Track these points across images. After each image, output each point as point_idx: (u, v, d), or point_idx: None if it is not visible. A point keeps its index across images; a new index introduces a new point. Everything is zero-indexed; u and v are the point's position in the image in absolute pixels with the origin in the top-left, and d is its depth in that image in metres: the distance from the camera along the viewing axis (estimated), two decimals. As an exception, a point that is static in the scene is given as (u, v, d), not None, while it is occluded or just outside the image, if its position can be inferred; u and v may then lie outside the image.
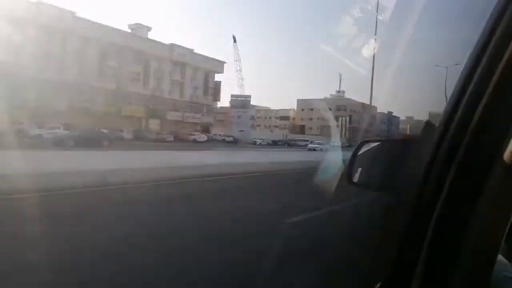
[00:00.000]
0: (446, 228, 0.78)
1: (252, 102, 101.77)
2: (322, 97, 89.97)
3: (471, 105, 0.77)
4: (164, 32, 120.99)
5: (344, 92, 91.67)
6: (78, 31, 41.11)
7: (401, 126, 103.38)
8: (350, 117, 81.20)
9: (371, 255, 1.09)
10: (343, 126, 79.13)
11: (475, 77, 0.77)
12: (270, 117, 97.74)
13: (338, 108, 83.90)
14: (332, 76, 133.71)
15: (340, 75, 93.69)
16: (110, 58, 46.18)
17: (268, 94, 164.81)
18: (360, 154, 1.55)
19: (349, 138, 72.77)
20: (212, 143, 46.94)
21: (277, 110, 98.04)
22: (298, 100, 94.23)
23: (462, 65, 0.82)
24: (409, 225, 0.82)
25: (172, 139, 45.08)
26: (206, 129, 57.84)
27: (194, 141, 46.98)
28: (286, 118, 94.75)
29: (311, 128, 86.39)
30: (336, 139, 48.42)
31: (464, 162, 0.77)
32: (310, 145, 54.18)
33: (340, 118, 79.01)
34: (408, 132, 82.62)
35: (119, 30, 48.61)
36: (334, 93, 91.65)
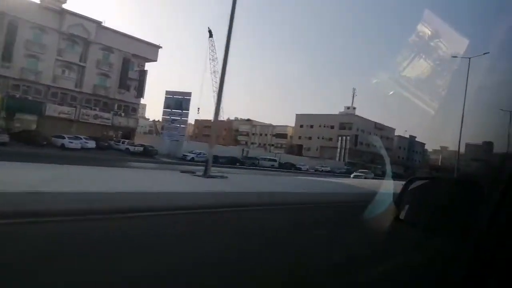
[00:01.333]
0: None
1: (250, 116, 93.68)
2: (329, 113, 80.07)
3: None
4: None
5: (355, 108, 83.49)
6: None
7: (430, 156, 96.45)
8: (356, 137, 73.00)
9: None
10: (342, 147, 71.92)
11: None
12: (266, 134, 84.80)
13: (342, 127, 74.31)
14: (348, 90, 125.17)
15: (354, 89, 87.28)
16: None
17: (266, 108, 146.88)
18: (409, 191, 1.52)
19: (347, 162, 66.81)
20: (106, 153, 33.62)
21: (274, 127, 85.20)
22: (297, 116, 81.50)
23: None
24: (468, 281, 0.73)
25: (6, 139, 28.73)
26: (126, 135, 43.53)
27: (62, 146, 32.35)
28: (283, 136, 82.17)
29: (309, 149, 75.73)
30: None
31: None
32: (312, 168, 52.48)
33: (340, 138, 71.85)
34: (439, 164, 75.86)
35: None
36: (343, 109, 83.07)
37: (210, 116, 66.89)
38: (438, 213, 1.31)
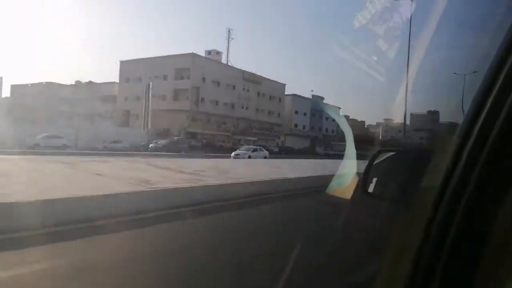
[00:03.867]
0: (464, 244, 0.75)
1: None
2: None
3: (491, 116, 0.74)
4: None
5: (219, 53, 56.85)
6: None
7: (370, 129, 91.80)
8: (197, 91, 48.15)
9: (385, 269, 1.05)
10: (182, 109, 46.70)
11: (496, 87, 0.74)
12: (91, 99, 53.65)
13: (179, 76, 49.01)
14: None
15: (229, 31, 59.45)
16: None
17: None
18: (376, 164, 1.53)
19: (188, 134, 44.51)
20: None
21: (97, 85, 57.04)
22: (122, 64, 53.20)
23: (481, 74, 0.79)
24: (425, 240, 0.79)
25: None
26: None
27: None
28: (111, 99, 53.81)
29: (137, 116, 46.24)
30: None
31: (483, 175, 0.74)
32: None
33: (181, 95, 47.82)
34: (380, 137, 75.72)
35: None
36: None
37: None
38: (404, 184, 1.33)
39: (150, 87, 42.41)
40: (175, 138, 39.95)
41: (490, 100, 0.74)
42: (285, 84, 66.29)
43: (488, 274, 0.71)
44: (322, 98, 69.90)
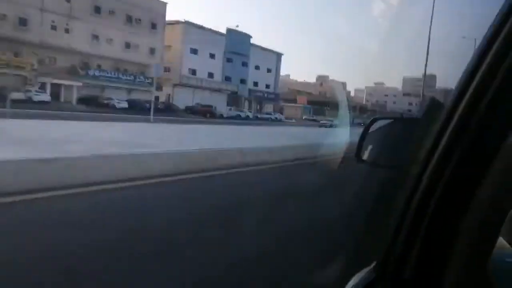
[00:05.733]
0: (445, 211, 0.77)
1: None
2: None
3: (482, 84, 0.71)
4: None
5: None
6: None
7: (357, 94, 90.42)
8: None
9: (370, 234, 1.09)
10: None
11: (490, 54, 0.71)
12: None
13: None
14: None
15: None
16: None
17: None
18: (372, 131, 1.53)
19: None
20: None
21: None
22: None
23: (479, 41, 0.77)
24: (407, 205, 0.81)
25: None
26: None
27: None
28: None
29: None
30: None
31: (469, 145, 0.74)
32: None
33: None
34: (364, 102, 72.49)
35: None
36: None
37: None
38: (397, 151, 1.34)
39: None
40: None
41: (482, 67, 0.71)
42: (166, 3, 42.38)
43: (468, 237, 0.74)
44: (249, 37, 48.23)
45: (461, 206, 0.73)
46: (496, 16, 0.71)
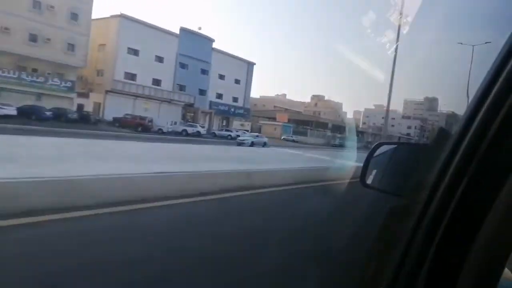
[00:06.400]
0: (452, 238, 0.76)
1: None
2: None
3: (491, 113, 0.71)
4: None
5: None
6: None
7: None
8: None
9: (376, 259, 1.07)
10: None
11: (499, 82, 0.70)
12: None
13: None
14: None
15: None
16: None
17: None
18: (376, 156, 1.54)
19: None
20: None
21: None
22: None
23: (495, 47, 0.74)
24: (415, 231, 0.80)
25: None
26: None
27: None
28: None
29: None
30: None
31: (477, 173, 0.73)
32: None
33: None
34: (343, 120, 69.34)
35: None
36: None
37: None
38: (402, 177, 1.33)
39: None
40: None
41: (490, 96, 0.71)
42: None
43: (475, 266, 0.73)
44: (211, 40, 41.91)
45: (468, 236, 0.73)
46: (503, 46, 0.72)
